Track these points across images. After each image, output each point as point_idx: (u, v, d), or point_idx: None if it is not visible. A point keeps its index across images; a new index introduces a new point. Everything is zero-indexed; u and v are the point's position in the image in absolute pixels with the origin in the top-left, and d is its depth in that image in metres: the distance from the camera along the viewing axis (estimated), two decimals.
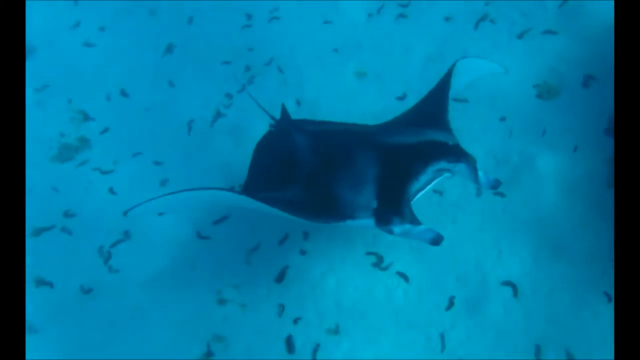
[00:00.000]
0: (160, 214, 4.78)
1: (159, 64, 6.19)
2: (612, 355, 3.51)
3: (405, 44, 5.58)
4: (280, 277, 4.46)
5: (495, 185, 3.23)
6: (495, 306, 3.91)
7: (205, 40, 6.32)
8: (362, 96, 5.40)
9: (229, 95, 5.82)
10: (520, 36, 5.14)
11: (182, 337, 4.35)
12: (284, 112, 4.43)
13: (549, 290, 3.88)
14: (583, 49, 4.86)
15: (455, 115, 4.87)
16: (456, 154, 3.19)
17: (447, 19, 5.52)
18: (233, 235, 4.82)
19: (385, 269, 4.26)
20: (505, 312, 3.86)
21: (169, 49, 6.24)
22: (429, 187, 3.18)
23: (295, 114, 5.46)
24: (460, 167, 3.17)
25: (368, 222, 3.14)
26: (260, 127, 5.27)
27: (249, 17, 6.42)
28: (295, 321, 4.22)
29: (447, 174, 3.22)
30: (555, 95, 4.72)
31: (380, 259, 4.30)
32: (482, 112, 4.84)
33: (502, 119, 4.76)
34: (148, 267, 4.82)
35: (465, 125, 4.81)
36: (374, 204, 3.10)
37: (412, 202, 3.10)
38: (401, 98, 5.20)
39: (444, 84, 3.84)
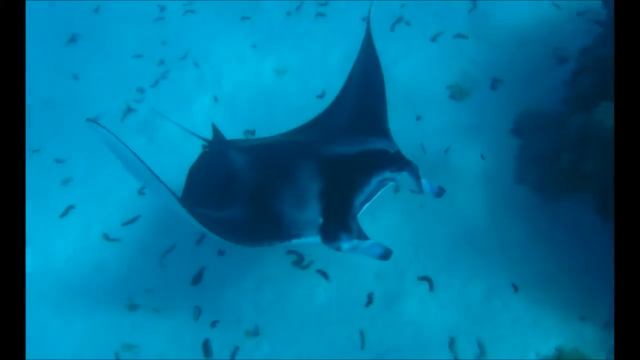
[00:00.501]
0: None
1: (60, 55, 5.85)
2: (520, 343, 3.76)
3: (324, 42, 5.67)
4: (196, 279, 4.36)
5: (439, 192, 3.24)
6: (412, 301, 4.04)
7: (113, 31, 6.06)
8: (281, 93, 5.42)
9: (140, 90, 5.61)
10: (433, 39, 5.39)
11: (87, 349, 4.12)
12: (216, 131, 4.22)
13: (462, 283, 4.06)
14: (491, 52, 5.17)
15: None
16: (398, 162, 3.18)
17: (364, 19, 5.67)
18: (146, 236, 4.66)
19: (305, 267, 4.28)
20: (421, 306, 4.00)
21: (73, 39, 5.92)
22: (374, 198, 3.13)
23: (213, 111, 5.40)
24: (404, 175, 3.16)
25: (314, 239, 3.04)
26: (173, 125, 5.15)
27: (162, 9, 6.26)
28: (213, 324, 4.14)
29: (390, 183, 3.22)
30: (467, 96, 4.99)
31: (300, 257, 4.32)
32: (400, 112, 5.00)
33: (418, 118, 4.95)
34: (48, 274, 4.53)
35: None
36: (320, 220, 3.02)
37: (358, 215, 3.04)
38: (321, 96, 5.27)
39: (377, 83, 3.82)
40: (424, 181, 3.22)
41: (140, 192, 4.91)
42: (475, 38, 5.29)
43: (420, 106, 4.99)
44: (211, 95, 5.52)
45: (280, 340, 4.02)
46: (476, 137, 4.70)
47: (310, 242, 3.05)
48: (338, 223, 2.97)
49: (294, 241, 3.05)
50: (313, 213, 3.03)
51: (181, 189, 4.12)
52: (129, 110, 5.50)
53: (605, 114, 3.55)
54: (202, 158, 4.05)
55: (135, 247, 4.61)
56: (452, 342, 3.85)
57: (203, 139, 4.22)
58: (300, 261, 4.33)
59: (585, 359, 3.62)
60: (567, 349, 3.68)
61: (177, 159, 5.07)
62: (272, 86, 5.51)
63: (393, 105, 5.01)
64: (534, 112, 4.46)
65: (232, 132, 5.23)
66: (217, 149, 4.02)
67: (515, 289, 3.93)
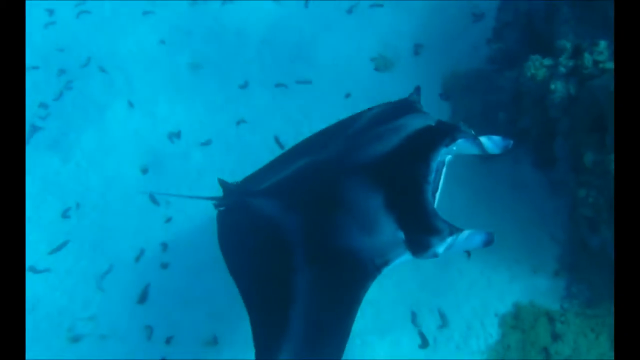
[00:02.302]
0: None
1: None
2: (479, 305, 4.00)
3: (237, 28, 5.66)
4: (142, 297, 4.33)
5: (506, 144, 2.92)
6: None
7: None
8: (201, 89, 5.38)
9: (43, 105, 5.40)
10: (350, 11, 5.51)
11: None
12: (224, 184, 3.64)
13: (414, 259, 4.24)
14: (409, 18, 5.34)
15: (302, 97, 5.15)
16: (446, 132, 2.83)
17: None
18: (78, 261, 4.55)
19: None
20: (378, 287, 4.14)
21: None
22: (441, 183, 2.89)
23: (129, 118, 5.28)
24: (460, 144, 2.83)
25: (405, 257, 2.74)
26: (93, 137, 5.01)
27: (51, 12, 6.01)
28: (168, 340, 4.14)
29: (448, 157, 2.95)
30: (392, 66, 5.16)
31: None
32: (327, 92, 5.11)
33: (347, 96, 5.08)
34: None
35: (313, 106, 5.08)
36: (401, 235, 2.70)
37: (430, 198, 2.72)
38: (243, 86, 5.29)
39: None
40: (483, 139, 2.90)
41: (65, 215, 4.77)
42: (391, 6, 5.44)
43: (347, 83, 5.11)
44: (125, 101, 5.38)
45: (241, 344, 4.06)
46: None
47: (400, 261, 2.75)
48: (422, 229, 2.67)
49: (384, 269, 2.72)
50: (389, 231, 2.71)
51: (110, 208, 4.04)
52: (34, 129, 5.28)
53: (536, 69, 3.77)
54: (224, 221, 3.44)
55: (68, 274, 4.51)
56: (414, 317, 4.04)
57: (212, 198, 3.62)
58: None
59: (542, 310, 3.92)
60: (524, 304, 3.96)
61: (100, 177, 4.97)
62: (190, 82, 5.45)
63: (319, 86, 5.15)
64: (461, 74, 4.67)
65: (155, 137, 5.17)
66: (234, 203, 3.47)
67: (468, 254, 4.15)
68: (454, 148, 2.83)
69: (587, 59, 3.58)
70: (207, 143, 5.13)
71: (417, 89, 3.47)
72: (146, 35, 5.76)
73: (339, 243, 2.78)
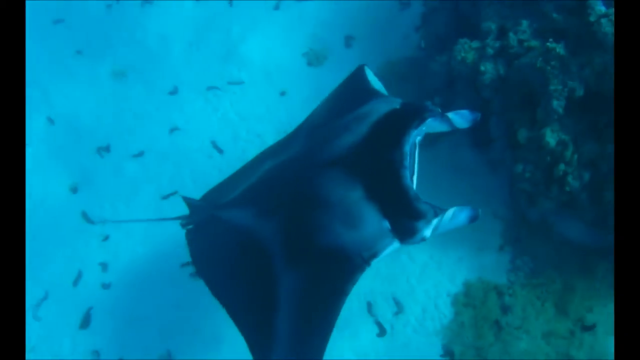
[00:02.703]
0: None
1: None
2: (431, 288, 4.10)
3: (160, 32, 5.53)
4: (85, 322, 4.17)
5: (474, 118, 2.93)
6: None
7: None
8: (127, 99, 5.25)
9: None
10: (276, 7, 5.50)
11: None
12: (190, 201, 3.52)
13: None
14: (337, 11, 5.38)
15: (236, 98, 5.10)
16: (414, 113, 2.80)
17: (198, 0, 5.60)
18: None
19: None
20: None
21: None
22: (416, 165, 2.83)
23: (50, 135, 5.05)
24: (429, 123, 2.81)
25: (393, 246, 2.71)
26: None
27: None
28: None
29: (418, 138, 2.90)
30: (324, 60, 5.20)
31: None
32: (262, 91, 5.10)
33: (283, 93, 5.08)
34: None
35: (249, 106, 5.07)
36: (386, 224, 2.67)
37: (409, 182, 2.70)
38: (173, 92, 5.18)
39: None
40: (451, 115, 2.90)
41: None
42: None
43: (281, 80, 5.12)
44: (44, 117, 5.15)
45: (197, 355, 3.99)
46: None
47: (390, 251, 2.72)
48: (407, 215, 2.63)
49: (374, 262, 2.70)
50: (374, 222, 2.67)
51: (40, 232, 3.85)
52: None
53: (465, 52, 3.89)
54: (195, 240, 3.34)
55: None
56: (369, 307, 4.10)
57: (179, 218, 3.48)
58: (195, 275, 4.32)
59: (490, 285, 4.07)
60: (473, 281, 4.11)
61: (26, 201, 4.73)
62: (114, 92, 5.27)
63: (252, 85, 5.11)
64: (395, 62, 4.75)
65: (82, 152, 4.98)
66: (203, 219, 3.35)
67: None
68: (424, 128, 2.81)
69: (512, 38, 3.75)
70: (139, 154, 4.99)
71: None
72: (60, 45, 5.53)
73: (321, 242, 2.73)
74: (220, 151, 4.93)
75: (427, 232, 2.63)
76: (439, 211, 2.63)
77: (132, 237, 4.57)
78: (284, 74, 5.13)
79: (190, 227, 3.35)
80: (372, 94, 3.17)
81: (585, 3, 3.40)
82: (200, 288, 4.22)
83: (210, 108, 5.11)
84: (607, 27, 3.31)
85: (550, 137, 3.59)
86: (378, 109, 2.94)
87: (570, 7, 3.56)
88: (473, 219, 2.71)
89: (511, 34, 3.74)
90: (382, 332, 4.05)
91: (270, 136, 4.88)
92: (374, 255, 2.66)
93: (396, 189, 2.66)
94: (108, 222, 4.52)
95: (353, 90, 3.32)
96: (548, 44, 3.50)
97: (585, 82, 3.50)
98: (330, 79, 5.02)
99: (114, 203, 4.86)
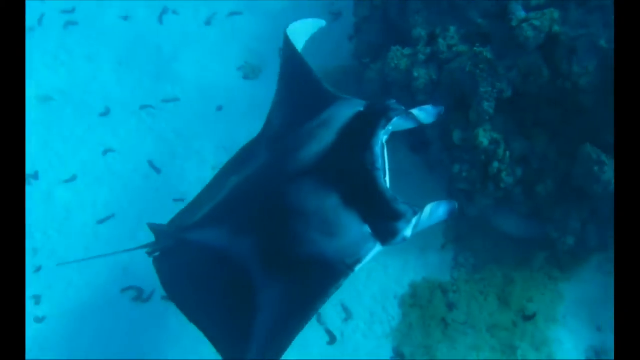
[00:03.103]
0: None
1: None
2: (379, 292, 4.18)
3: (87, 53, 5.39)
4: None
5: (439, 112, 2.99)
6: None
7: None
8: (55, 122, 5.08)
9: None
10: (208, 23, 5.50)
11: None
12: (155, 227, 3.39)
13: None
14: (269, 23, 5.42)
15: (172, 116, 5.03)
16: (380, 113, 2.83)
17: (125, 18, 5.49)
18: None
19: (147, 299, 4.22)
20: None
21: None
22: (387, 165, 2.83)
23: None
24: (395, 122, 2.84)
25: (375, 250, 2.71)
26: None
27: None
28: None
29: (385, 137, 2.89)
30: (260, 72, 5.23)
31: (139, 291, 4.26)
32: (198, 107, 5.10)
33: (219, 108, 5.07)
34: None
35: (185, 124, 5.02)
36: (366, 228, 2.68)
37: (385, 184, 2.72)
38: (105, 114, 5.07)
39: (293, 61, 3.44)
40: (415, 112, 2.95)
41: None
42: (250, 12, 5.51)
43: (217, 96, 5.11)
44: None
45: None
46: None
47: (373, 255, 2.72)
48: (386, 217, 2.64)
49: (357, 267, 2.68)
50: (354, 227, 2.68)
51: None
52: None
53: (398, 59, 4.03)
54: (164, 266, 3.23)
55: None
56: (318, 315, 4.16)
57: (145, 246, 3.35)
58: (140, 295, 4.24)
59: (435, 284, 4.21)
60: (419, 281, 4.23)
61: None
62: (41, 118, 5.10)
63: (188, 102, 5.07)
64: (330, 71, 4.82)
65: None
66: (170, 245, 3.26)
67: None
68: (390, 128, 2.84)
69: (442, 44, 3.93)
70: (71, 179, 4.85)
71: None
72: None
73: (301, 253, 2.72)
74: (157, 171, 4.85)
75: (408, 231, 2.64)
76: (417, 209, 2.65)
77: (67, 266, 4.38)
78: (219, 89, 5.13)
79: (157, 254, 3.23)
80: (330, 95, 3.15)
81: (506, 9, 3.61)
82: (146, 312, 4.13)
83: (145, 127, 5.04)
84: (528, 32, 3.55)
85: (483, 137, 3.77)
86: (341, 113, 2.96)
87: (493, 12, 3.79)
88: (452, 212, 2.75)
89: (440, 40, 3.92)
90: (332, 340, 4.10)
91: (209, 152, 4.87)
92: (358, 261, 2.65)
93: (372, 192, 2.68)
94: (66, 263, 4.27)
95: (306, 91, 3.29)
96: (475, 48, 3.69)
97: (512, 83, 3.72)
98: (267, 91, 5.05)
99: (45, 232, 4.70)
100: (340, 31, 5.12)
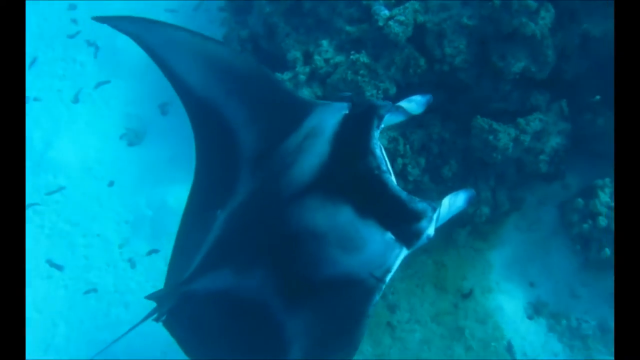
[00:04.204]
0: None
1: None
2: None
3: None
4: None
5: (427, 100, 2.85)
6: None
7: None
8: None
9: None
10: (75, 100, 5.21)
11: None
12: (154, 295, 2.99)
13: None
14: (142, 84, 5.19)
15: (59, 208, 4.64)
16: (371, 115, 2.66)
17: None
18: None
19: None
20: None
21: None
22: (388, 161, 2.66)
23: None
24: (387, 119, 2.70)
25: (402, 254, 2.52)
26: None
27: None
28: None
29: (377, 133, 2.72)
30: (145, 135, 5.02)
31: None
32: (88, 189, 4.78)
33: (111, 184, 4.82)
34: None
35: (77, 212, 4.69)
36: (389, 235, 2.50)
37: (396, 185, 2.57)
38: None
39: (258, 74, 3.05)
40: (404, 104, 2.82)
41: None
42: (117, 78, 5.29)
43: (105, 171, 4.85)
44: None
45: None
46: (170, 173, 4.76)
47: (400, 261, 2.54)
48: (407, 219, 2.48)
49: (388, 277, 2.50)
50: (376, 237, 2.50)
51: None
52: None
53: None
54: (175, 326, 2.96)
55: None
56: None
57: (147, 316, 2.97)
58: None
59: None
60: None
61: None
62: None
63: (75, 188, 4.72)
64: None
65: None
66: (175, 304, 2.93)
67: None
68: (383, 125, 2.69)
69: (318, 59, 3.98)
70: None
71: None
72: None
73: (323, 276, 2.55)
74: (59, 268, 4.43)
75: (431, 229, 2.50)
76: (435, 205, 2.52)
77: None
78: (106, 164, 4.87)
79: (164, 317, 2.94)
80: (305, 103, 2.96)
81: (370, 11, 3.73)
82: None
83: (34, 227, 4.64)
84: (396, 28, 3.68)
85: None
86: (327, 120, 2.77)
87: (358, 17, 3.90)
88: (471, 199, 2.63)
89: (316, 56, 3.97)
90: None
91: (111, 231, 4.57)
92: (388, 271, 2.49)
93: (386, 196, 2.52)
94: None
95: (277, 102, 3.02)
96: (352, 56, 3.76)
97: (394, 80, 3.82)
98: (156, 152, 4.86)
99: None
100: None
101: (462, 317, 4.07)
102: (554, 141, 3.99)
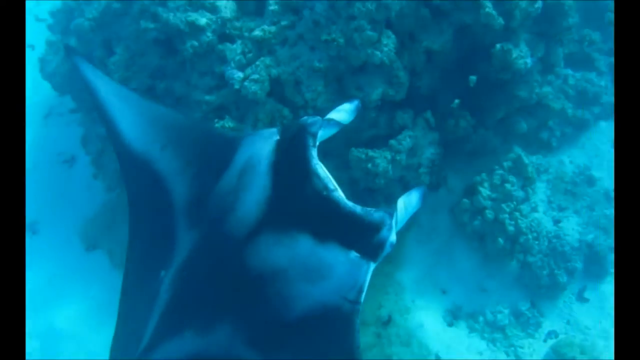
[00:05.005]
0: None
1: None
2: None
3: None
4: None
5: (356, 105, 2.86)
6: None
7: None
8: None
9: None
10: None
11: None
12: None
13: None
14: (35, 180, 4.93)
15: None
16: (303, 135, 2.54)
17: None
18: None
19: None
20: None
21: None
22: (332, 177, 2.52)
23: None
24: (323, 132, 2.60)
25: (370, 269, 2.40)
26: None
27: None
28: None
29: (315, 152, 2.60)
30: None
31: None
32: None
33: None
34: None
35: None
36: (353, 254, 2.39)
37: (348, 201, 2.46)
38: None
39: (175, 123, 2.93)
40: (333, 115, 2.77)
41: None
42: None
43: None
44: None
45: None
46: None
47: (371, 272, 2.41)
48: (367, 233, 2.40)
49: (362, 297, 2.37)
50: (340, 259, 2.38)
51: None
52: None
53: None
54: None
55: None
56: None
57: None
58: None
59: None
60: None
61: None
62: None
63: None
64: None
65: None
66: None
67: None
68: (318, 142, 2.58)
69: None
70: None
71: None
72: None
73: (295, 314, 2.40)
74: None
75: (393, 236, 2.44)
76: (392, 211, 2.47)
77: None
78: None
79: None
80: (229, 138, 2.81)
81: (224, 76, 3.74)
82: None
83: None
84: (253, 87, 3.70)
85: None
86: (258, 151, 2.62)
87: (215, 84, 3.90)
88: (424, 195, 2.64)
89: None
90: None
91: None
92: (361, 290, 2.38)
93: (341, 215, 2.42)
94: None
95: (199, 143, 2.87)
96: (217, 124, 3.76)
97: None
98: (31, 276, 4.50)
99: None
100: (80, 174, 4.89)
101: (387, 345, 4.09)
102: (428, 152, 4.16)
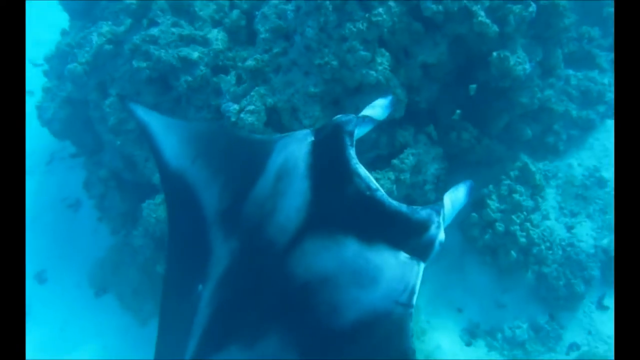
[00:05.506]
0: None
1: None
2: None
3: None
4: None
5: (391, 100, 2.84)
6: None
7: None
8: None
9: None
10: None
11: None
12: None
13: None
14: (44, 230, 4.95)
15: None
16: (340, 135, 2.46)
17: None
18: None
19: None
20: None
21: None
22: (372, 176, 2.43)
23: None
24: (360, 129, 2.55)
25: (421, 269, 2.32)
26: None
27: None
28: None
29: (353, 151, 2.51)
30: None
31: None
32: None
33: None
34: None
35: None
36: (403, 255, 2.30)
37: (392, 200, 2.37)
38: None
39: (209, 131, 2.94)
40: (368, 112, 2.72)
41: None
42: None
43: None
44: None
45: None
46: None
47: (421, 275, 2.33)
48: (415, 233, 2.31)
49: (414, 300, 2.28)
50: (390, 261, 2.28)
51: None
52: None
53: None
54: None
55: None
56: None
57: None
58: None
59: None
60: None
61: None
62: None
63: None
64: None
65: None
66: None
67: None
68: (355, 140, 2.49)
69: None
70: None
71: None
72: None
73: (346, 321, 2.29)
74: None
75: (442, 234, 2.37)
76: (438, 207, 2.38)
77: None
78: None
79: None
80: (261, 141, 2.72)
81: (220, 110, 3.70)
82: None
83: None
84: (249, 118, 3.67)
85: None
86: (294, 154, 2.52)
87: (210, 117, 3.86)
88: (471, 189, 2.54)
89: None
90: None
91: None
92: (413, 292, 2.28)
93: (386, 215, 2.32)
94: None
95: (232, 150, 2.79)
96: None
97: None
98: (43, 326, 4.48)
99: None
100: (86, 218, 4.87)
101: None
102: (432, 168, 4.09)
